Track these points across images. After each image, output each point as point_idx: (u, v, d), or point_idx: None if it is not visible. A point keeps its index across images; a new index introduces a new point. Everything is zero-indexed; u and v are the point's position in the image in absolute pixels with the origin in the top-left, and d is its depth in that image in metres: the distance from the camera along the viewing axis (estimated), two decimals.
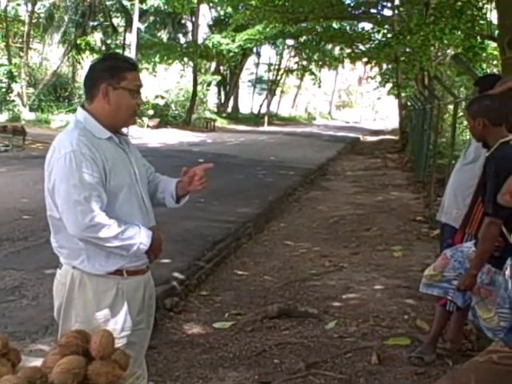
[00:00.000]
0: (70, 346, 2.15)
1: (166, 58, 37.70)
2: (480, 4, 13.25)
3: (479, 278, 3.67)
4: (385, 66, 36.52)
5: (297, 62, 54.40)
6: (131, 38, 31.57)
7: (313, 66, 53.92)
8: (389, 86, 38.23)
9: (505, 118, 3.77)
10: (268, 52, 57.67)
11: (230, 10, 32.91)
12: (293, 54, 52.97)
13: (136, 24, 31.13)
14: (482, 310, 3.74)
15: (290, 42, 44.43)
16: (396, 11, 21.73)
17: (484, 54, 17.11)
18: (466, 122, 15.30)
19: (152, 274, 2.92)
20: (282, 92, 64.87)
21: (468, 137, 7.72)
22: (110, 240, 2.53)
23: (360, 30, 27.30)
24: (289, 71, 56.61)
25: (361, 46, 26.28)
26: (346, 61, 36.47)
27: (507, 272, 3.55)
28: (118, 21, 38.67)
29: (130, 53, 30.15)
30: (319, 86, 56.90)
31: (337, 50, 41.26)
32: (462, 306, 4.20)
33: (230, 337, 4.90)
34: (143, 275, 2.77)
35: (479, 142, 3.92)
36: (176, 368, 4.30)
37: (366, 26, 25.98)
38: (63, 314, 2.70)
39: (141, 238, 2.60)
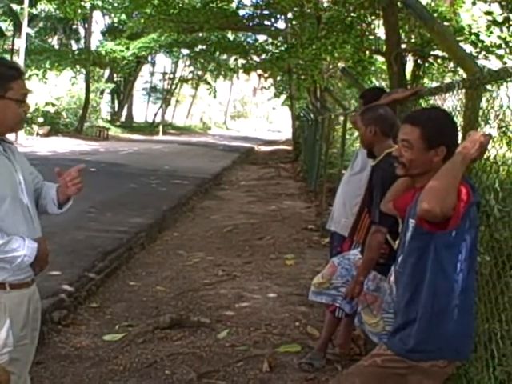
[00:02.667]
0: None
1: (57, 64, 36.65)
2: (369, 20, 13.71)
3: (365, 284, 3.78)
4: (279, 78, 37.13)
5: (192, 72, 54.41)
6: (20, 43, 30.54)
7: (208, 76, 54.13)
8: (283, 97, 38.89)
9: (393, 129, 3.86)
10: (163, 61, 57.53)
11: (124, 17, 32.43)
12: (188, 63, 52.94)
13: (25, 29, 30.16)
14: (368, 316, 3.86)
15: (185, 51, 44.34)
16: (289, 24, 22.13)
17: (373, 68, 17.72)
18: (356, 134, 15.82)
19: (40, 287, 2.81)
20: (177, 101, 64.75)
21: (358, 147, 7.95)
22: None
23: (254, 41, 27.58)
24: (184, 80, 56.54)
25: (255, 57, 26.57)
26: (241, 71, 36.74)
27: (392, 278, 3.69)
28: (6, 25, 37.28)
29: (19, 58, 29.17)
30: (214, 96, 57.11)
31: (232, 61, 41.55)
32: (349, 312, 4.31)
33: (121, 349, 4.80)
34: (28, 288, 2.66)
35: (366, 149, 4.03)
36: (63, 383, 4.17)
37: (261, 37, 26.29)
38: None
39: (25, 250, 2.51)
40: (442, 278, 2.50)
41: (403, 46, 11.25)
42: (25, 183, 2.64)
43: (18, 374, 2.64)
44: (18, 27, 33.61)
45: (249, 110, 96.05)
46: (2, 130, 2.59)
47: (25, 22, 30.22)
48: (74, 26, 43.30)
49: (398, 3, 9.13)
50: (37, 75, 35.80)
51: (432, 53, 11.94)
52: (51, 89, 35.96)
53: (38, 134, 30.55)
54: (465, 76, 3.45)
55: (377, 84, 18.95)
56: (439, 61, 12.44)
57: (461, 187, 2.39)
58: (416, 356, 2.57)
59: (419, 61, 12.91)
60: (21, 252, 2.50)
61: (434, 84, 12.04)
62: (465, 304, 2.54)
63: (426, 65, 13.26)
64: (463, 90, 3.42)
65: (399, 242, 2.74)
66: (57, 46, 41.92)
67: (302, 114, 25.12)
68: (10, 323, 2.56)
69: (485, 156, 2.76)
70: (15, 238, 2.50)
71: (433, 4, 15.41)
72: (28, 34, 32.99)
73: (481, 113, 3.22)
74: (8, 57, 34.63)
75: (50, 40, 42.84)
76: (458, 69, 12.04)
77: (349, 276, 4.10)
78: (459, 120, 3.39)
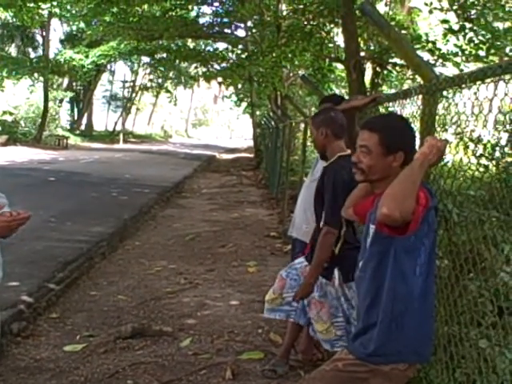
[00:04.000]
0: None
1: (14, 72, 36.12)
2: (328, 28, 13.85)
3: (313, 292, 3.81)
4: (239, 86, 37.19)
5: (151, 80, 54.17)
6: None
7: (168, 84, 53.94)
8: (244, 104, 38.95)
9: (345, 131, 3.94)
10: (123, 69, 57.10)
11: (82, 25, 32.15)
12: (148, 71, 52.69)
13: None
14: (319, 324, 3.90)
15: (145, 59, 44.14)
16: (249, 32, 22.24)
17: (332, 76, 17.90)
18: None
19: None
20: (138, 109, 64.39)
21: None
22: None
23: (214, 49, 27.62)
24: (144, 88, 56.24)
25: (216, 65, 26.58)
26: (202, 79, 36.72)
27: (336, 281, 3.74)
28: None
29: None
30: (175, 104, 56.93)
31: (192, 69, 41.47)
32: (304, 324, 4.31)
33: (82, 360, 4.73)
34: None
35: (319, 152, 4.07)
36: None
37: (222, 45, 26.36)
38: None
39: None
40: (401, 282, 2.53)
41: (362, 53, 11.41)
42: None
43: None
44: None
45: (210, 118, 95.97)
46: None
47: None
48: (32, 34, 42.77)
49: (357, 12, 9.25)
50: None
51: (390, 60, 12.12)
52: (9, 97, 35.44)
53: None
54: (422, 83, 3.51)
55: (336, 91, 19.13)
56: (397, 68, 12.63)
57: (419, 192, 2.42)
58: (376, 360, 2.59)
59: (378, 68, 13.10)
60: None
61: (393, 91, 12.20)
62: (424, 307, 2.57)
63: (385, 72, 13.45)
64: (420, 96, 3.48)
65: (361, 248, 2.76)
66: (14, 54, 41.31)
67: (263, 122, 25.19)
68: None
69: (442, 161, 2.80)
70: None
71: (390, 12, 15.65)
72: None
73: (437, 118, 3.28)
74: None
75: (7, 48, 42.22)
76: (417, 76, 12.26)
77: (298, 286, 4.11)
78: (417, 126, 3.45)
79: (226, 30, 22.80)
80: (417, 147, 2.74)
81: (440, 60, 11.41)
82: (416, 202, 2.38)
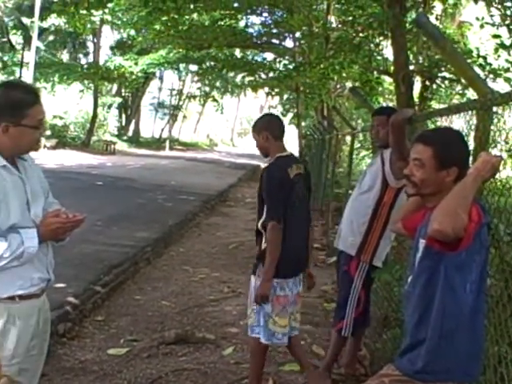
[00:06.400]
0: None
1: (65, 78, 36.87)
2: (377, 40, 13.77)
3: (272, 290, 3.91)
4: (286, 96, 37.23)
5: (199, 88, 54.61)
6: (29, 57, 30.75)
7: (215, 93, 54.31)
8: (290, 115, 38.96)
9: (284, 133, 4.18)
10: (171, 77, 57.67)
11: (133, 32, 32.66)
12: (195, 79, 53.16)
13: (35, 42, 30.37)
14: (283, 319, 4.01)
15: (192, 67, 44.56)
16: (297, 43, 22.25)
17: (380, 88, 17.77)
18: (362, 153, 15.84)
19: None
20: (184, 117, 64.93)
21: (364, 167, 7.96)
22: None
23: (262, 59, 27.72)
24: (191, 97, 56.74)
25: (263, 75, 26.67)
26: (248, 89, 36.87)
27: (257, 274, 3.96)
28: (17, 38, 37.54)
29: (28, 71, 29.36)
30: (221, 113, 57.30)
31: (239, 78, 41.72)
32: (265, 341, 4.06)
33: (125, 363, 4.79)
34: (37, 299, 2.67)
35: (263, 154, 4.20)
36: None
37: (269, 55, 26.44)
38: None
39: (25, 243, 2.49)
40: (451, 299, 2.49)
41: (411, 67, 11.29)
42: (34, 204, 2.62)
43: None
44: (27, 40, 33.85)
45: None
46: (18, 152, 2.61)
47: (35, 36, 30.45)
48: (83, 41, 43.61)
49: (407, 24, 9.18)
50: (45, 88, 36.04)
51: (440, 74, 11.97)
52: (59, 102, 36.15)
53: (45, 146, 30.65)
54: (473, 97, 3.45)
55: (384, 105, 18.98)
56: (447, 83, 12.47)
57: (472, 208, 2.39)
58: (424, 377, 2.55)
59: (427, 82, 12.95)
60: (21, 248, 2.48)
61: (441, 106, 12.05)
62: (474, 325, 2.52)
63: (434, 86, 13.30)
64: (473, 112, 3.43)
65: (409, 262, 2.73)
66: (66, 60, 42.17)
67: (308, 133, 25.14)
68: (20, 334, 2.56)
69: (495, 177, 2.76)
70: (13, 238, 2.48)
71: (441, 26, 15.49)
72: (38, 48, 33.20)
73: (491, 134, 3.22)
74: (17, 70, 34.95)
75: (59, 54, 43.13)
76: (466, 91, 12.09)
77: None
78: (469, 141, 3.40)
79: (274, 41, 22.88)
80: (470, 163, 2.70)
81: (491, 75, 11.23)
82: (468, 218, 2.35)
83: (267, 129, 4.09)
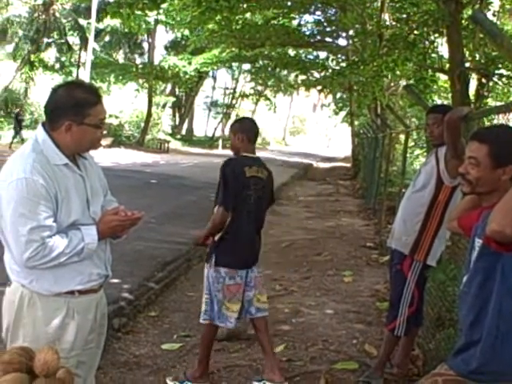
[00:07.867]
0: (13, 363, 2.11)
1: (120, 77, 37.53)
2: (432, 38, 13.57)
3: (222, 280, 4.32)
4: (338, 95, 37.01)
5: (252, 87, 54.73)
6: (86, 57, 31.37)
7: (268, 92, 54.34)
8: (342, 113, 38.74)
9: (257, 137, 4.61)
10: (224, 76, 58.04)
11: (187, 32, 32.98)
12: (248, 78, 53.30)
13: (91, 43, 30.97)
14: (235, 304, 4.34)
15: (245, 66, 44.72)
16: (350, 41, 22.09)
17: (435, 86, 17.50)
18: (416, 152, 15.64)
19: None
20: (237, 116, 65.14)
21: (418, 166, 7.87)
22: (55, 260, 2.51)
23: (315, 57, 27.63)
24: (244, 96, 56.91)
25: (316, 74, 26.56)
26: (301, 88, 36.81)
27: (212, 264, 4.30)
28: (74, 39, 38.36)
29: (85, 71, 29.95)
30: (274, 112, 57.29)
31: (292, 77, 41.65)
32: (220, 323, 4.40)
33: (178, 359, 4.86)
34: (95, 294, 2.73)
35: (234, 153, 4.54)
36: None
37: (321, 54, 26.36)
38: (11, 333, 2.62)
39: (85, 239, 2.56)
40: (508, 300, 2.44)
41: (467, 64, 11.09)
42: (93, 201, 2.68)
43: (84, 376, 2.71)
44: (84, 41, 34.60)
45: (308, 127, 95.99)
46: (80, 150, 2.67)
47: (91, 37, 31.09)
48: (138, 41, 44.23)
49: (463, 21, 9.03)
50: (101, 88, 36.71)
51: (497, 72, 11.74)
52: (115, 101, 36.77)
53: (101, 145, 31.25)
54: None
55: (439, 102, 18.69)
56: (504, 80, 12.22)
57: None
58: (478, 377, 2.51)
59: (483, 80, 12.70)
60: (81, 244, 2.54)
61: (498, 104, 11.80)
62: None
63: (490, 84, 13.03)
64: None
65: (465, 261, 2.69)
66: (121, 60, 42.86)
67: (361, 131, 24.96)
68: (79, 327, 2.63)
69: None
70: (74, 235, 2.54)
71: (498, 22, 15.16)
72: (94, 48, 33.86)
73: None
74: (75, 70, 35.69)
75: (114, 54, 43.84)
76: None
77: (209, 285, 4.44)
78: None
79: (327, 39, 22.78)
80: None
81: None
82: None
83: (243, 131, 4.46)
